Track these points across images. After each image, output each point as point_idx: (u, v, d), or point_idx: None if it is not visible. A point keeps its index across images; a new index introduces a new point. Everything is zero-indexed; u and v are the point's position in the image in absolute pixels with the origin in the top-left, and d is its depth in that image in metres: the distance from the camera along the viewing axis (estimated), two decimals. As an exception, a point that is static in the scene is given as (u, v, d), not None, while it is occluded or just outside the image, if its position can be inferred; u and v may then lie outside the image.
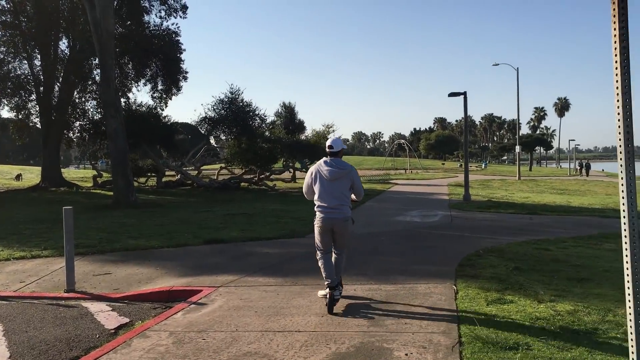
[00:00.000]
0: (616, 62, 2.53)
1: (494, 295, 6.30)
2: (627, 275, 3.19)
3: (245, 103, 28.72)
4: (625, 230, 3.05)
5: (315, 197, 6.35)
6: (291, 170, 36.45)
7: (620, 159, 2.63)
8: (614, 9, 2.44)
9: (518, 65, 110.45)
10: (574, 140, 69.80)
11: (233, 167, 32.46)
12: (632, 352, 3.25)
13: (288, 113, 39.68)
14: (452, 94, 21.67)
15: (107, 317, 6.30)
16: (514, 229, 12.74)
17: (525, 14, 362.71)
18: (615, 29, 2.48)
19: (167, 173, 33.28)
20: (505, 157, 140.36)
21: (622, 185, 2.75)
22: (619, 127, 2.59)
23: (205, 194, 26.03)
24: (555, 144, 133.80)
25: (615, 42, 2.50)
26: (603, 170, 76.49)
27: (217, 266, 8.61)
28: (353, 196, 6.51)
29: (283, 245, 10.62)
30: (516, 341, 4.67)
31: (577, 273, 7.62)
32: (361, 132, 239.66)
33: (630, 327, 3.21)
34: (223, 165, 32.83)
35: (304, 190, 6.69)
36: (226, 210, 17.45)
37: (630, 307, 3.26)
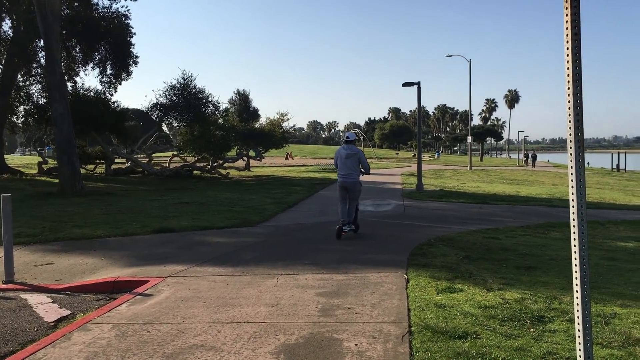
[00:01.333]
0: (567, 48, 2.49)
1: (444, 284, 6.33)
2: (575, 265, 3.20)
3: (198, 89, 28.14)
4: (574, 220, 3.04)
5: (338, 168, 10.30)
6: (245, 158, 36.05)
7: (571, 147, 2.60)
8: (567, -5, 2.40)
9: (471, 57, 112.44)
10: (522, 131, 71.73)
11: (185, 154, 31.83)
12: (579, 337, 3.26)
13: (242, 101, 39.19)
14: (406, 84, 21.79)
15: (46, 309, 6.01)
16: (465, 218, 12.93)
17: (479, 6, 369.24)
18: (567, 15, 2.44)
19: (117, 160, 32.38)
20: (457, 148, 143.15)
21: (572, 175, 2.73)
22: (569, 115, 2.56)
23: (156, 182, 25.44)
24: (505, 135, 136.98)
25: (567, 28, 2.46)
26: (548, 161, 78.99)
27: (166, 256, 8.38)
28: (363, 170, 10.32)
29: (235, 235, 10.44)
30: (465, 330, 4.68)
31: (524, 261, 7.75)
32: (316, 121, 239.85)
33: (578, 315, 3.23)
34: (175, 152, 32.15)
35: (334, 164, 10.64)
36: (177, 199, 17.08)
37: (577, 297, 3.27)
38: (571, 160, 2.71)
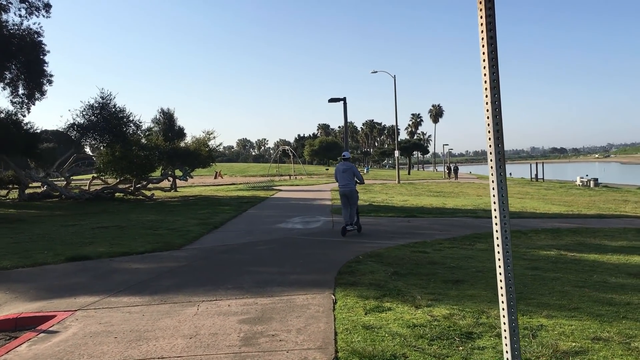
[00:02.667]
0: (484, 53, 2.34)
1: (372, 303, 6.12)
2: (500, 274, 3.05)
3: (118, 109, 26.99)
4: (497, 231, 2.89)
5: (338, 180, 12.65)
6: (170, 178, 34.97)
7: (490, 152, 2.44)
8: (481, -5, 2.24)
9: (396, 73, 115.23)
10: (447, 144, 74.12)
11: (106, 176, 30.44)
12: (507, 352, 3.11)
13: (167, 119, 37.99)
14: (332, 100, 21.79)
15: None
16: (394, 233, 12.90)
17: (402, 23, 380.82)
18: (482, 17, 2.28)
19: (33, 185, 30.53)
20: (385, 162, 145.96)
21: (493, 182, 2.56)
22: (489, 125, 2.40)
23: (75, 207, 24.11)
24: (431, 148, 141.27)
25: (482, 31, 2.31)
26: (470, 172, 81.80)
27: (78, 286, 7.75)
28: (358, 181, 12.72)
29: (155, 260, 9.87)
30: (393, 353, 4.46)
31: (452, 275, 7.70)
32: (246, 138, 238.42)
33: (505, 329, 3.07)
34: (95, 175, 30.66)
35: (334, 178, 13.08)
36: (96, 223, 16.15)
37: (504, 309, 3.12)
38: (492, 167, 2.55)
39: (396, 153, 50.11)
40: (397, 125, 53.41)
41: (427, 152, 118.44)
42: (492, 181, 2.54)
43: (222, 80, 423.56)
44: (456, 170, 61.51)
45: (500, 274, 3.09)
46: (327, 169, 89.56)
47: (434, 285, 7.07)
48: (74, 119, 26.71)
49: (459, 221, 15.68)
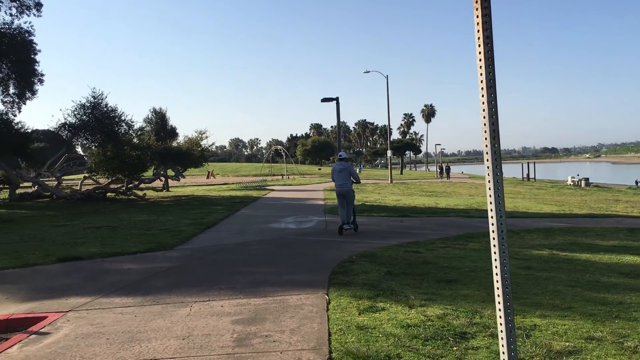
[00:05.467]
0: (480, 52, 2.32)
1: (366, 303, 6.11)
2: (496, 275, 3.04)
3: (110, 108, 26.82)
4: (493, 231, 2.88)
5: (335, 180, 12.77)
6: (162, 178, 34.83)
7: (487, 152, 2.42)
8: (477, -6, 2.23)
9: (388, 72, 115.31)
10: (439, 144, 74.32)
11: (98, 176, 30.26)
12: (503, 352, 3.10)
13: (159, 119, 37.84)
14: (324, 100, 21.82)
15: None
16: (387, 233, 12.90)
17: (395, 23, 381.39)
18: (478, 16, 2.27)
19: (23, 184, 30.29)
20: (378, 162, 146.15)
21: (490, 182, 2.55)
22: (485, 124, 2.39)
23: (66, 207, 23.95)
24: (423, 148, 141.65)
25: (478, 30, 2.29)
26: (463, 172, 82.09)
27: (69, 287, 7.68)
28: (354, 180, 12.81)
29: (148, 260, 9.82)
30: (387, 353, 4.45)
31: (445, 274, 7.70)
32: (238, 138, 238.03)
33: (502, 326, 3.06)
34: (87, 174, 30.47)
35: (331, 178, 13.31)
36: (88, 223, 16.04)
37: (500, 310, 3.11)
38: (488, 167, 2.54)
39: (388, 153, 50.17)
40: (389, 125, 53.51)
41: (420, 151, 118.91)
42: (489, 181, 2.53)
43: (214, 79, 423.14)
44: (448, 170, 61.69)
45: (496, 274, 3.09)
46: (319, 169, 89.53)
47: (427, 285, 7.07)
48: (65, 119, 26.55)
49: (452, 221, 15.71)
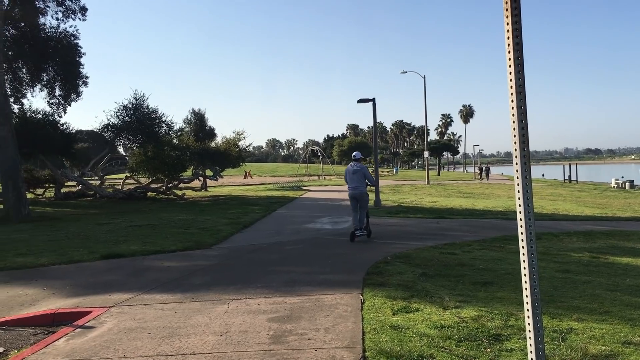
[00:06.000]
0: (509, 59, 2.37)
1: (400, 304, 6.16)
2: (525, 275, 3.07)
3: (150, 109, 27.54)
4: (522, 233, 2.92)
5: (348, 182, 12.07)
6: (201, 178, 35.46)
7: (516, 156, 2.47)
8: (507, 2, 2.28)
9: (426, 72, 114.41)
10: (478, 145, 73.05)
11: (139, 176, 31.04)
12: (531, 352, 3.13)
13: (198, 120, 38.55)
14: (361, 100, 21.84)
15: (-23, 347, 5.56)
16: (422, 234, 12.87)
17: (433, 23, 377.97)
18: (508, 24, 2.32)
19: (68, 184, 31.32)
20: (415, 163, 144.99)
21: (518, 184, 2.60)
22: (514, 129, 2.44)
23: (108, 205, 24.67)
24: (461, 149, 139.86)
25: (508, 37, 2.34)
26: (502, 173, 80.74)
27: (112, 284, 7.97)
28: (369, 183, 12.20)
29: (187, 258, 10.07)
30: (420, 353, 4.50)
31: (481, 277, 7.67)
32: (275, 139, 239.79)
33: (529, 327, 3.09)
34: (128, 174, 31.30)
35: (344, 179, 12.50)
36: (129, 222, 16.52)
37: (528, 310, 3.15)
38: (517, 170, 2.58)
39: (426, 154, 49.81)
40: (426, 126, 53.10)
41: (457, 152, 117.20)
42: (517, 184, 2.58)
43: (251, 81, 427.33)
44: (487, 171, 60.80)
45: (524, 275, 3.12)
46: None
47: (462, 287, 7.07)
48: (108, 120, 27.34)
49: (489, 223, 15.56)
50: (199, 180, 35.87)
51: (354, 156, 12.27)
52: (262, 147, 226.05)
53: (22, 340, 5.79)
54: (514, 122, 2.41)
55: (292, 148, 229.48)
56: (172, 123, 28.86)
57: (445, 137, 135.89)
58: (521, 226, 2.74)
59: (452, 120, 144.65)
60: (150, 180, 29.83)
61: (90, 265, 9.60)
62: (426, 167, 50.32)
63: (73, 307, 6.77)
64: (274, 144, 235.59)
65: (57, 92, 27.87)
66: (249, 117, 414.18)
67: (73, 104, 28.64)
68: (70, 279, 8.43)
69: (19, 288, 7.98)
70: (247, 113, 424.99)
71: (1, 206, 21.09)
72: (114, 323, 5.98)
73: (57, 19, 27.54)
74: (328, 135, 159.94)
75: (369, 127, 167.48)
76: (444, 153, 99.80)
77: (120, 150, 38.74)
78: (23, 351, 5.29)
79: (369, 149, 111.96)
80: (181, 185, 31.40)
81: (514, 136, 2.41)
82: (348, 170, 12.08)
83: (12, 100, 24.30)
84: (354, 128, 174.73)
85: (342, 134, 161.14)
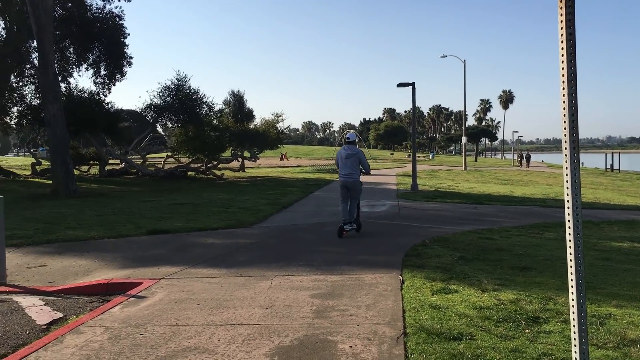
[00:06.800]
0: (562, 49, 2.47)
1: (439, 285, 6.31)
2: (570, 264, 3.18)
3: (192, 90, 28.04)
4: (569, 220, 3.02)
5: (339, 168, 10.49)
6: (239, 159, 35.98)
7: (565, 147, 2.58)
8: (561, -6, 2.38)
9: (465, 57, 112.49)
10: (517, 132, 71.65)
11: (180, 155, 31.73)
12: (575, 338, 3.24)
13: (237, 101, 39.03)
14: (400, 85, 21.80)
15: (39, 312, 5.95)
16: (460, 219, 12.92)
17: (473, 6, 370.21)
18: (562, 15, 2.42)
19: (111, 161, 32.25)
20: (452, 148, 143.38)
21: (567, 175, 2.71)
22: (564, 115, 2.54)
23: (151, 183, 25.35)
24: (499, 135, 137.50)
25: (561, 27, 2.44)
26: (543, 161, 79.17)
27: (159, 258, 8.33)
28: (363, 170, 10.47)
29: (229, 236, 10.40)
30: (460, 331, 4.66)
31: (519, 262, 7.74)
32: (311, 121, 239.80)
33: (573, 316, 3.20)
34: (169, 153, 32.04)
35: (335, 164, 11.53)
36: (171, 200, 17.01)
37: (573, 294, 3.25)
38: (566, 161, 2.69)
39: (463, 139, 49.30)
40: (465, 111, 52.42)
41: (496, 139, 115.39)
42: (566, 171, 2.69)
43: (289, 63, 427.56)
44: (528, 158, 59.76)
45: (570, 260, 3.22)
46: (391, 154, 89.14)
47: (500, 271, 7.16)
48: (151, 100, 27.93)
49: (528, 209, 15.47)
50: (238, 161, 36.41)
51: (348, 138, 10.71)
52: (298, 130, 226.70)
53: (79, 307, 6.16)
54: (564, 108, 2.52)
55: (327, 131, 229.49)
56: (213, 104, 29.35)
57: (483, 123, 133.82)
58: (569, 214, 2.85)
59: (490, 106, 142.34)
60: (190, 160, 30.45)
61: (137, 239, 10.01)
62: (463, 153, 49.83)
63: (125, 278, 7.13)
64: (310, 126, 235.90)
65: (102, 72, 28.66)
66: (286, 98, 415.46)
67: (117, 83, 29.32)
68: (120, 252, 8.83)
69: (72, 259, 8.41)
70: (285, 94, 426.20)
71: (50, 182, 21.92)
72: (164, 294, 6.30)
73: (103, 0, 28.21)
74: (364, 119, 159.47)
75: (405, 112, 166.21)
76: (482, 139, 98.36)
77: (159, 129, 39.53)
78: (81, 317, 5.64)
79: (405, 134, 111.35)
80: (220, 165, 31.98)
81: (564, 122, 2.52)
82: (340, 154, 10.48)
83: (59, 79, 25.03)
84: (390, 112, 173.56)
85: (379, 118, 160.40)
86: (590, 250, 8.83)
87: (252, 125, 36.80)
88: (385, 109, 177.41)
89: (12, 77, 29.40)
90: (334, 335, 4.71)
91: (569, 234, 3.01)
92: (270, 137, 34.87)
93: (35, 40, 21.59)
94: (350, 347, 4.43)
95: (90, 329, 5.11)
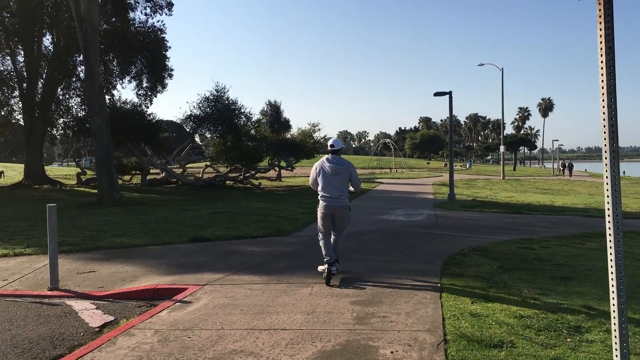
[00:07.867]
0: (602, 62, 2.55)
1: (478, 293, 6.34)
2: (612, 273, 3.22)
3: (230, 101, 28.61)
4: (610, 229, 3.07)
5: (319, 188, 7.55)
6: (276, 169, 36.38)
7: (606, 157, 2.65)
8: (600, 9, 2.47)
9: (503, 65, 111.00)
10: (557, 140, 70.43)
11: (218, 165, 32.31)
12: (616, 350, 3.28)
13: (274, 111, 39.59)
14: (437, 94, 21.77)
15: (91, 315, 6.23)
16: (498, 228, 12.83)
17: (511, 14, 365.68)
18: (601, 29, 2.50)
19: (151, 171, 33.05)
20: (489, 157, 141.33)
21: (607, 184, 2.78)
22: (604, 126, 2.61)
23: (190, 192, 25.89)
24: (539, 144, 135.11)
25: (600, 42, 2.52)
26: (586, 170, 77.39)
27: (202, 264, 8.57)
28: (351, 188, 7.75)
29: (268, 244, 10.59)
30: (500, 339, 4.70)
31: (560, 272, 7.69)
32: (347, 131, 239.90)
33: (615, 326, 3.24)
34: (208, 163, 32.68)
35: (310, 182, 7.88)
36: (211, 209, 17.36)
37: (614, 305, 3.29)
38: (606, 170, 2.76)
39: (501, 148, 48.69)
40: (503, 119, 51.75)
41: (535, 147, 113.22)
42: (607, 183, 2.75)
43: (324, 73, 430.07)
44: (571, 167, 58.57)
45: (611, 266, 3.27)
46: (428, 163, 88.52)
47: (541, 280, 7.14)
48: (191, 111, 28.60)
49: (568, 219, 15.23)
50: (275, 171, 36.82)
51: (332, 145, 7.62)
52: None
53: (128, 311, 6.42)
54: (604, 119, 2.59)
55: (363, 140, 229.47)
56: (251, 114, 29.84)
57: (522, 132, 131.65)
58: (609, 222, 2.91)
59: (529, 114, 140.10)
60: (228, 169, 30.97)
61: (180, 247, 10.30)
62: (502, 162, 49.17)
63: (170, 284, 7.38)
64: (345, 135, 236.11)
65: (145, 84, 29.51)
66: (322, 108, 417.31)
67: (158, 95, 30.23)
68: (164, 259, 9.11)
69: (119, 265, 8.73)
70: (321, 103, 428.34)
71: (95, 191, 22.62)
72: (208, 299, 6.50)
73: (146, 14, 29.19)
74: (400, 128, 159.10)
75: (441, 120, 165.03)
76: (520, 148, 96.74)
77: (197, 140, 40.33)
78: (131, 320, 5.89)
79: (441, 143, 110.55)
80: (257, 175, 32.40)
81: (604, 132, 2.59)
82: (322, 168, 7.51)
83: (104, 91, 25.89)
84: (426, 121, 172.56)
85: (415, 127, 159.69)
86: (634, 260, 8.69)
87: (288, 135, 37.23)
88: (421, 117, 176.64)
89: (59, 89, 30.53)
90: (375, 341, 4.81)
91: (610, 241, 3.06)
92: (307, 146, 35.17)
93: (81, 54, 22.41)
94: (392, 352, 4.53)
95: (140, 331, 5.34)
